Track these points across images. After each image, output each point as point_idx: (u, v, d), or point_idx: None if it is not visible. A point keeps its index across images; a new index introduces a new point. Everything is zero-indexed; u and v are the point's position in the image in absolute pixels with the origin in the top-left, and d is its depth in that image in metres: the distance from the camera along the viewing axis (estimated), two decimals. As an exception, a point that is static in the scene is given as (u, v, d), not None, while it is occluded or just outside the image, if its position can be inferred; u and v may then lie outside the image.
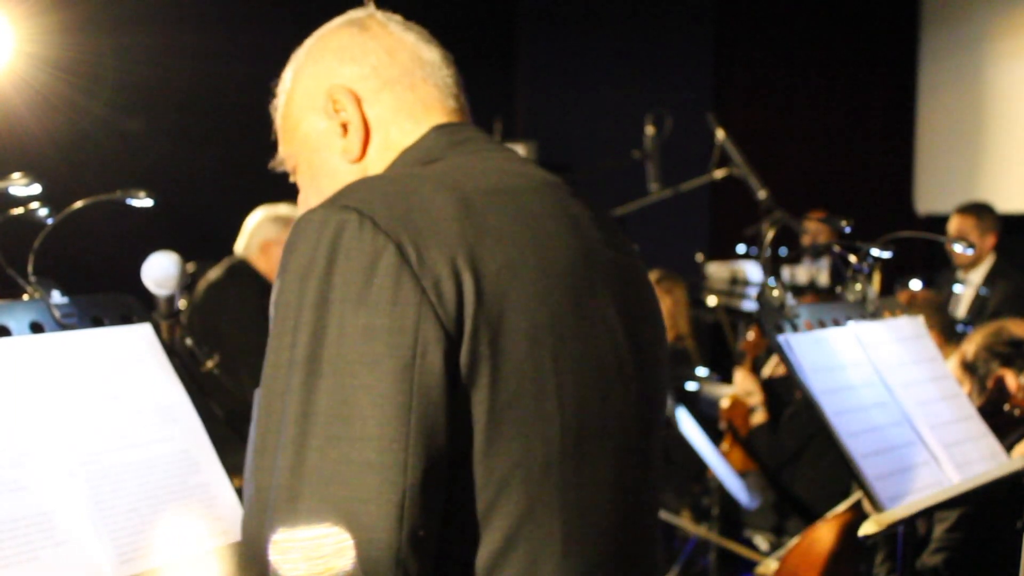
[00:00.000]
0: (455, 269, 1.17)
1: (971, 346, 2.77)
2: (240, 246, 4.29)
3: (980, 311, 5.28)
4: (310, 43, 1.48)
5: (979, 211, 5.75)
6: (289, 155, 1.48)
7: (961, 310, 5.43)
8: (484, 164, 1.34)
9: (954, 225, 5.68)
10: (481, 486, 1.19)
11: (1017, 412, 2.58)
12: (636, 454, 1.34)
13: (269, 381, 1.19)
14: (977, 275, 5.59)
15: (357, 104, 1.40)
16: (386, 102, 1.41)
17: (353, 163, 1.41)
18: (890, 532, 2.04)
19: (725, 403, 4.39)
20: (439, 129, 1.40)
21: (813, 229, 5.81)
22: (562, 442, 1.22)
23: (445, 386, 1.15)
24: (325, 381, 1.14)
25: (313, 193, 1.44)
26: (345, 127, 1.41)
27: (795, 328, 2.15)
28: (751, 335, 4.66)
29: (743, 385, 4.30)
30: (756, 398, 4.25)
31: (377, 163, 1.40)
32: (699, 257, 5.65)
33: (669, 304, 5.23)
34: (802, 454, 4.06)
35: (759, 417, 4.21)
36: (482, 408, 1.18)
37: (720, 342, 6.11)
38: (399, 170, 1.36)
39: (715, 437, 4.24)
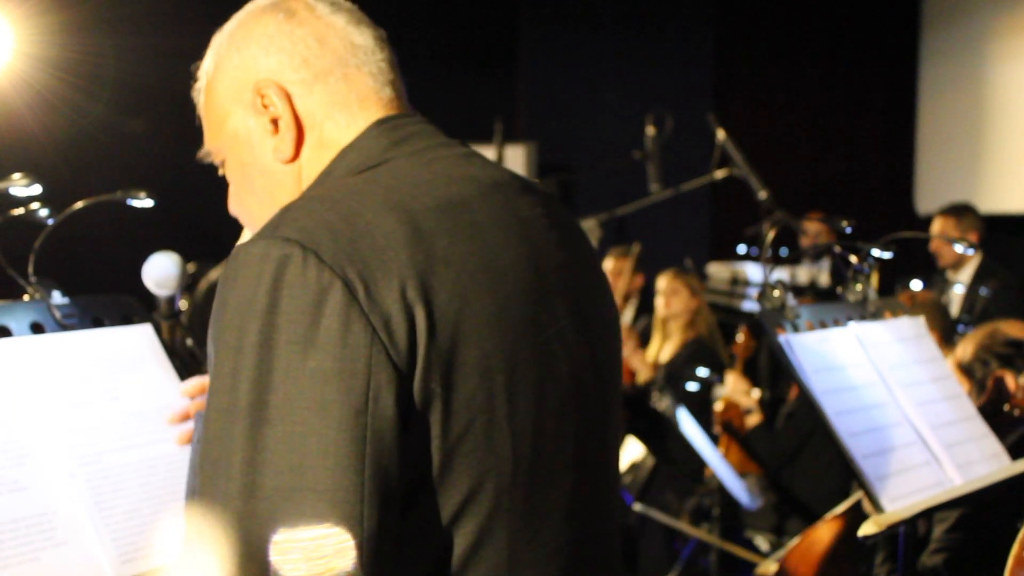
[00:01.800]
0: (406, 303, 1.10)
1: (967, 348, 2.77)
2: (241, 246, 4.27)
3: (971, 309, 5.28)
4: (231, 27, 1.34)
5: (958, 212, 5.75)
6: (217, 149, 1.37)
7: (953, 310, 5.42)
8: (429, 169, 1.25)
9: (936, 229, 5.68)
10: (430, 524, 1.13)
11: (1017, 412, 2.58)
12: (597, 454, 1.29)
13: (210, 427, 1.10)
14: (964, 275, 5.59)
15: (287, 100, 1.29)
16: (319, 96, 1.29)
17: (286, 163, 1.30)
18: (890, 532, 2.03)
19: (719, 406, 4.37)
20: (379, 126, 1.29)
21: (814, 229, 5.81)
22: (514, 473, 1.17)
23: (398, 429, 1.09)
24: (273, 428, 1.06)
25: (246, 191, 1.36)
26: (276, 124, 1.30)
27: (796, 329, 2.15)
28: (741, 337, 4.65)
29: (735, 387, 4.29)
30: (750, 400, 4.24)
31: (313, 163, 1.30)
32: (688, 262, 5.66)
33: (685, 298, 5.24)
34: (801, 454, 4.06)
35: (755, 419, 4.21)
36: (435, 445, 1.12)
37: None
38: (341, 183, 1.25)
39: (711, 440, 4.23)
